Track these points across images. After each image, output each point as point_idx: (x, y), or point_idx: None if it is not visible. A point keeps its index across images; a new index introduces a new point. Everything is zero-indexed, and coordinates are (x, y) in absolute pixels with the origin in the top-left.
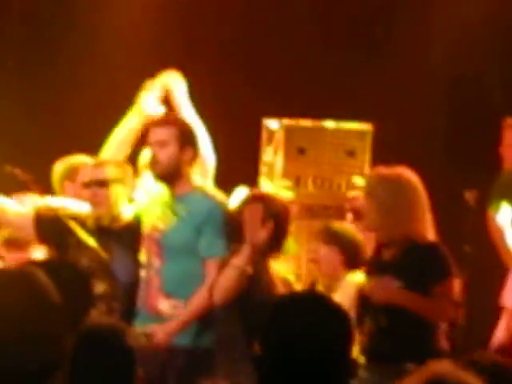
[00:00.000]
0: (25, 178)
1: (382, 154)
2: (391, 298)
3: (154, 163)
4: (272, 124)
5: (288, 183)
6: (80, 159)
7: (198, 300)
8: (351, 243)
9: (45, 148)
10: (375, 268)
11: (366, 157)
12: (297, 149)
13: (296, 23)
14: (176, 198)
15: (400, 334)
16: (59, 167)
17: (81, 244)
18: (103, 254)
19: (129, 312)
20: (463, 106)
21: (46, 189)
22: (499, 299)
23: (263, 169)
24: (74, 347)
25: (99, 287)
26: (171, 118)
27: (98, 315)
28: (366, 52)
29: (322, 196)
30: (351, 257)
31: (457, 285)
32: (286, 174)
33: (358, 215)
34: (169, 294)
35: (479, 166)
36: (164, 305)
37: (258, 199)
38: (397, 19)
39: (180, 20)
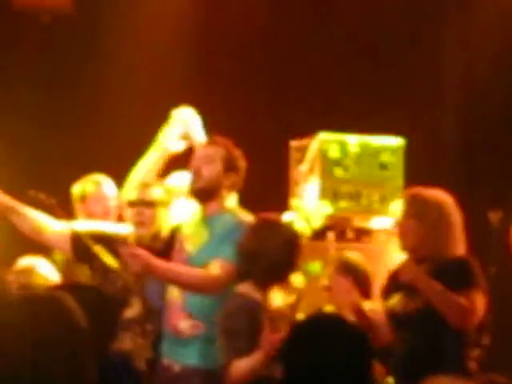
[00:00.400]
0: (49, 202)
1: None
2: (417, 277)
3: (196, 177)
4: (305, 141)
5: (325, 200)
6: (91, 180)
7: (192, 271)
8: (364, 275)
9: (66, 170)
10: (405, 285)
11: (399, 171)
12: (333, 163)
13: (317, 41)
14: (206, 218)
15: (430, 356)
16: (74, 189)
17: (106, 269)
18: (129, 278)
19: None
20: (487, 123)
21: (70, 212)
22: None
23: (295, 189)
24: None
25: (132, 311)
26: (223, 141)
27: (132, 337)
28: (389, 68)
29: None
30: (364, 289)
31: (482, 301)
32: (323, 190)
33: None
34: (190, 315)
35: (504, 186)
36: (184, 325)
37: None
38: (417, 35)
39: (198, 48)
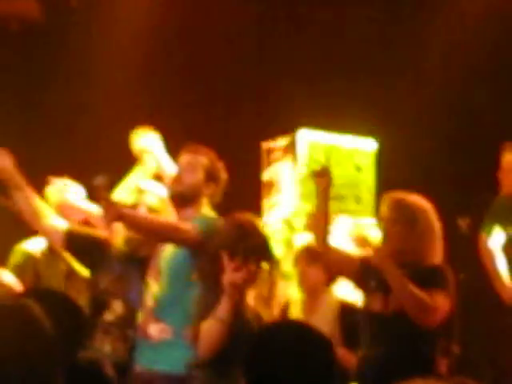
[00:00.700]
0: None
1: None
2: (386, 263)
3: (176, 182)
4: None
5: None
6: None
7: (163, 219)
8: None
9: (41, 171)
10: (382, 288)
11: (371, 174)
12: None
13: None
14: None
15: (397, 362)
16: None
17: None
18: (93, 287)
19: None
20: (459, 131)
21: None
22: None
23: (265, 189)
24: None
25: (112, 314)
26: (206, 151)
27: (111, 341)
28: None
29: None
30: (332, 275)
31: (446, 303)
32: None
33: None
34: (158, 319)
35: (473, 192)
36: (153, 329)
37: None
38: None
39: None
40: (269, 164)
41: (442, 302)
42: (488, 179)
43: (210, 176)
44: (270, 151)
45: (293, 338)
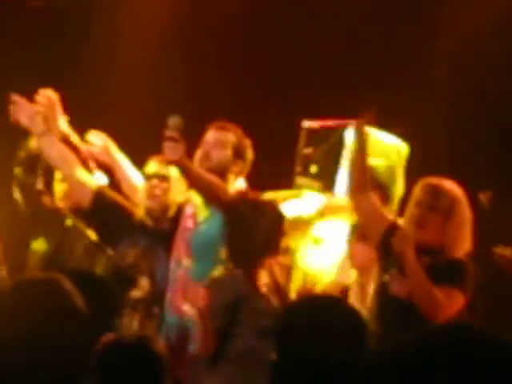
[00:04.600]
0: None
1: None
2: (406, 253)
3: (204, 159)
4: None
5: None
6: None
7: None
8: None
9: None
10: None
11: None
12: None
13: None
14: None
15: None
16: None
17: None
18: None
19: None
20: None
21: None
22: None
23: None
24: (99, 355)
25: (139, 291)
26: (234, 128)
27: (138, 319)
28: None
29: None
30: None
31: (460, 300)
32: None
33: None
34: None
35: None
36: (188, 307)
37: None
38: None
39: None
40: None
41: (455, 300)
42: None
43: (238, 153)
44: (310, 131)
45: (322, 309)
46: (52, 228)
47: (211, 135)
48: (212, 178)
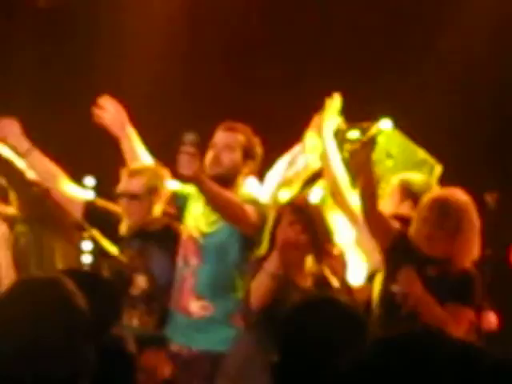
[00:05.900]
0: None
1: None
2: (415, 293)
3: (214, 164)
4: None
5: None
6: None
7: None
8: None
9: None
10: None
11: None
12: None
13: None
14: None
15: None
16: None
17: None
18: (124, 262)
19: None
20: (483, 107)
21: None
22: None
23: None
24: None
25: (136, 288)
26: (242, 128)
27: (140, 315)
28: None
29: None
30: None
31: (469, 317)
32: None
33: None
34: (200, 295)
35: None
36: (194, 305)
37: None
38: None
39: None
40: None
41: (463, 319)
42: None
43: (248, 154)
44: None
45: (324, 311)
46: None
47: (220, 137)
48: (230, 197)
